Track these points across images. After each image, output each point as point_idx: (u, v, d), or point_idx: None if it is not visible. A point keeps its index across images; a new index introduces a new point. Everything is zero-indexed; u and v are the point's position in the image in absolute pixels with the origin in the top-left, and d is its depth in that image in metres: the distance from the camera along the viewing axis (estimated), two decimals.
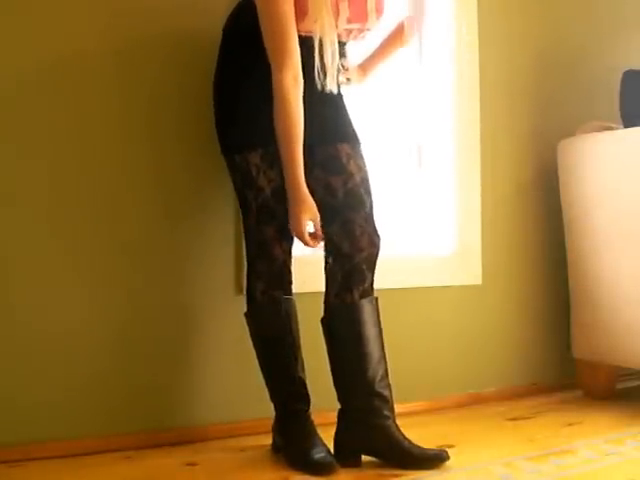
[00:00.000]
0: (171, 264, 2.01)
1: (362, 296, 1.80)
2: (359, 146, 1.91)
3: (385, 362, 1.83)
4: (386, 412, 1.78)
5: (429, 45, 2.55)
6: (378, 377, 1.79)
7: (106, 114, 1.95)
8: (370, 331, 1.79)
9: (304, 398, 1.85)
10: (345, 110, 1.93)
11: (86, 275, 1.91)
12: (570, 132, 2.58)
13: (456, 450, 1.91)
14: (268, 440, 1.91)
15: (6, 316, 1.82)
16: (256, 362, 2.04)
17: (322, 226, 1.79)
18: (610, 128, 2.50)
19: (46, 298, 1.86)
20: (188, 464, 1.80)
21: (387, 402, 1.79)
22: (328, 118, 1.87)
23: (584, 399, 2.51)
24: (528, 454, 1.87)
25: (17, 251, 1.83)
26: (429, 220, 2.54)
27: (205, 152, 2.06)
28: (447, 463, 1.75)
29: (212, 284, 2.06)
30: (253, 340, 1.89)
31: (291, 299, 1.88)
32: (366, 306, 1.80)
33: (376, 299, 1.84)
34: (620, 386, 2.58)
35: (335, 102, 1.89)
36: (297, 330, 1.87)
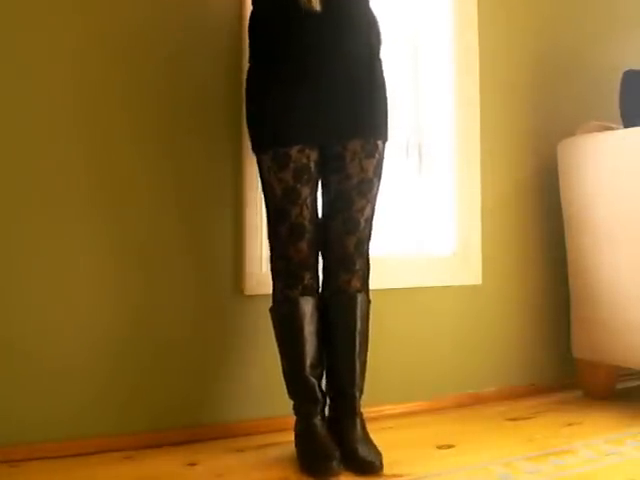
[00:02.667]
0: (171, 264, 2.01)
1: (331, 294, 1.86)
2: (373, 143, 1.85)
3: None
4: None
5: (428, 45, 2.55)
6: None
7: (111, 113, 1.95)
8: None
9: (315, 401, 1.82)
10: (369, 97, 1.84)
11: (85, 275, 1.91)
12: (570, 132, 2.58)
13: (456, 450, 1.92)
14: (268, 440, 1.91)
15: (5, 317, 1.82)
16: (256, 362, 2.05)
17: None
18: (610, 128, 2.50)
19: (45, 299, 1.87)
20: (188, 464, 1.80)
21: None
22: (346, 107, 1.80)
23: (584, 399, 2.51)
24: (528, 454, 1.87)
25: (18, 249, 1.84)
26: (429, 220, 2.54)
27: (205, 152, 2.07)
28: (446, 463, 1.75)
29: (212, 284, 2.06)
30: (275, 336, 1.89)
31: (309, 300, 1.82)
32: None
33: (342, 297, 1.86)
34: (620, 386, 2.58)
35: (362, 85, 1.83)
36: (314, 332, 1.82)
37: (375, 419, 2.04)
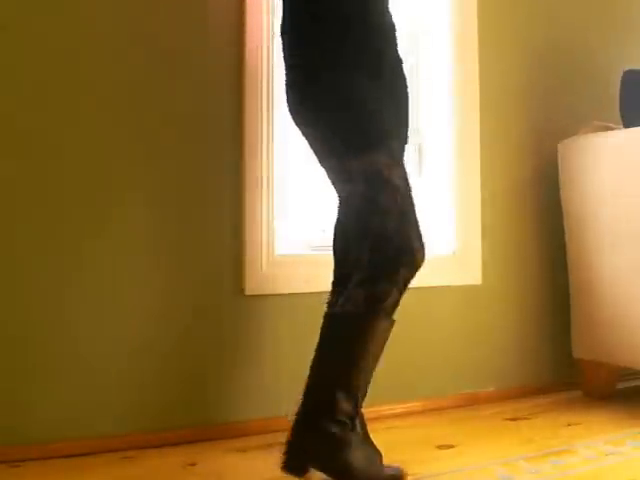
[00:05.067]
0: (170, 264, 2.01)
1: (342, 308, 1.67)
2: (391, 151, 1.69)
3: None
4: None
5: (428, 45, 2.55)
6: None
7: (110, 112, 1.95)
8: None
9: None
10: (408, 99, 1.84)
11: (85, 276, 1.92)
12: (570, 132, 2.58)
13: (456, 450, 1.92)
14: (269, 440, 1.91)
15: (5, 317, 1.82)
16: (256, 362, 2.04)
17: None
18: (610, 128, 2.50)
19: (49, 299, 1.86)
20: (188, 464, 1.80)
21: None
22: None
23: (584, 399, 2.50)
24: (528, 454, 1.87)
25: (20, 253, 1.84)
26: (429, 220, 2.54)
27: (206, 154, 2.06)
28: (446, 463, 1.75)
29: (212, 284, 2.06)
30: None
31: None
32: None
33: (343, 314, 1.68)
34: (620, 386, 2.58)
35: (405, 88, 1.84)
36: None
37: (375, 419, 2.04)
